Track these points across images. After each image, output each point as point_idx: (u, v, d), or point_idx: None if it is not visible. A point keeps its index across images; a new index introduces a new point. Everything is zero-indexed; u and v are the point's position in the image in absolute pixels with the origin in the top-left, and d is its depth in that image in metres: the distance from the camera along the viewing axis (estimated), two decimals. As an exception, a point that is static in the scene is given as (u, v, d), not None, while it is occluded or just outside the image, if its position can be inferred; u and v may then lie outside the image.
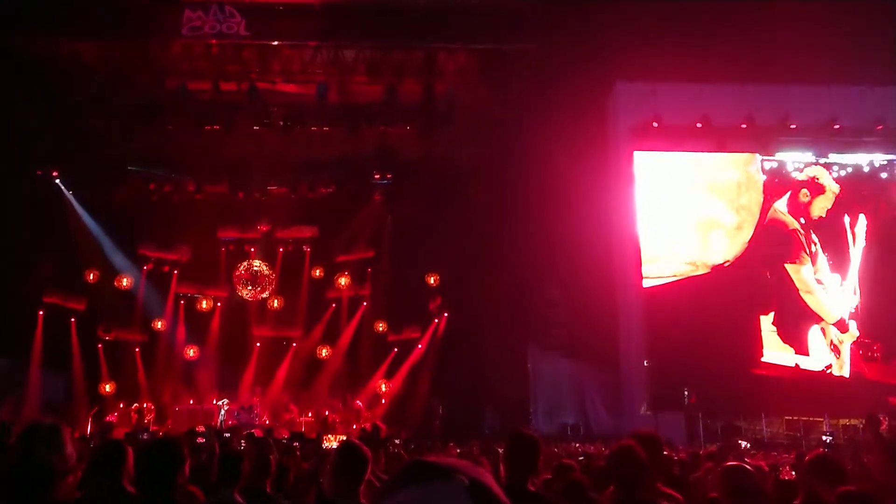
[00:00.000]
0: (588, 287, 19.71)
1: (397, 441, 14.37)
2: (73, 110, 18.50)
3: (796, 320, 19.71)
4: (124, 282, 20.70)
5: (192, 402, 20.06)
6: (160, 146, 19.80)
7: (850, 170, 20.86)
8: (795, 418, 19.05)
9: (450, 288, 20.99)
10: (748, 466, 4.38)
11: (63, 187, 20.33)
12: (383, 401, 21.05)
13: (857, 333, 19.74)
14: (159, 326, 21.06)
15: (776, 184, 20.62)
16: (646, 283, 19.96)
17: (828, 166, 20.79)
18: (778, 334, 19.68)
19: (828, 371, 19.52)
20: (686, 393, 18.21)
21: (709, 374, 18.35)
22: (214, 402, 19.45)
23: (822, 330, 19.73)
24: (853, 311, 19.91)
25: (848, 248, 20.24)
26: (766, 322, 19.81)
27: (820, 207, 20.46)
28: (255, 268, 21.53)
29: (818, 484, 4.18)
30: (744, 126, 20.13)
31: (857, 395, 18.48)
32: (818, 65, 18.22)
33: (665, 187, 20.59)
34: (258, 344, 21.15)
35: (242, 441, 12.76)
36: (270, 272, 21.62)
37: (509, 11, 17.38)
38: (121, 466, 3.79)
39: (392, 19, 17.30)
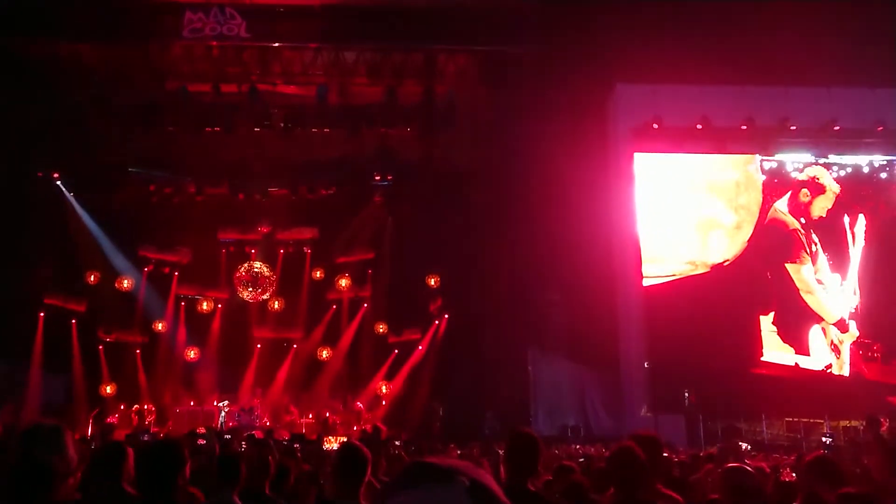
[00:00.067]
0: (588, 289, 19.71)
1: (398, 443, 14.38)
2: (73, 112, 18.50)
3: (797, 320, 19.72)
4: (125, 283, 20.72)
5: (192, 403, 20.05)
6: (161, 148, 19.81)
7: (849, 170, 20.87)
8: (796, 420, 19.03)
9: (450, 289, 20.99)
10: (749, 468, 4.38)
11: (63, 189, 20.35)
12: (384, 402, 21.05)
13: (857, 333, 19.75)
14: (160, 328, 21.08)
15: (775, 184, 20.65)
16: (645, 283, 20.00)
17: (827, 166, 20.80)
18: (778, 334, 19.69)
19: (828, 371, 19.54)
20: (686, 394, 18.21)
21: (709, 374, 18.36)
22: (215, 403, 19.47)
23: (823, 330, 19.74)
24: (853, 311, 19.93)
25: (848, 249, 20.25)
26: (766, 322, 19.82)
27: (820, 207, 20.48)
28: (255, 269, 21.54)
29: (818, 485, 4.18)
30: (744, 127, 20.14)
31: (856, 394, 18.51)
32: (818, 66, 18.23)
33: (664, 187, 20.61)
34: (259, 345, 21.16)
35: (243, 443, 12.76)
36: (271, 274, 21.63)
37: (509, 13, 17.39)
38: (121, 468, 3.80)
39: (392, 21, 17.31)
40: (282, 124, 19.17)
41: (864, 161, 20.91)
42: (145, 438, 15.07)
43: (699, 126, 20.13)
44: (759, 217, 20.44)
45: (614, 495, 4.01)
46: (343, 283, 21.62)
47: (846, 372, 19.58)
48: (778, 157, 20.81)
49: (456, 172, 20.85)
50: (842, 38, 17.27)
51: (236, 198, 21.09)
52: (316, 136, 19.60)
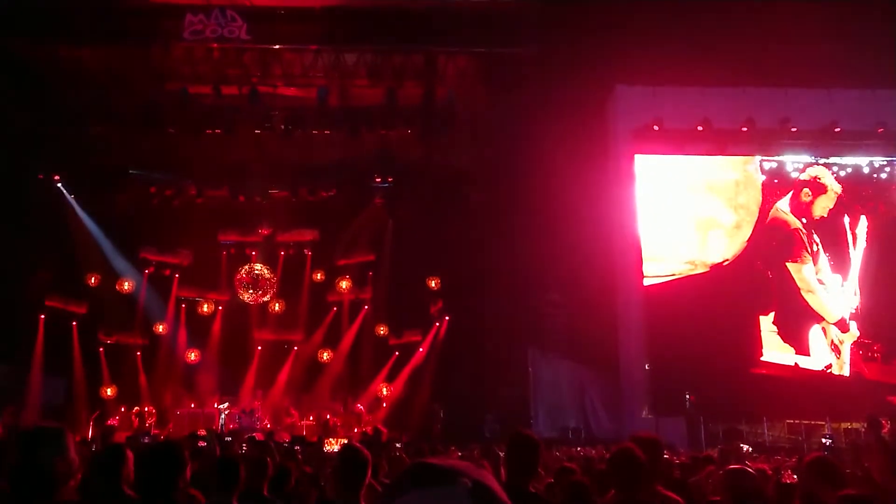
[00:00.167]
0: (588, 290, 19.74)
1: (398, 444, 14.35)
2: (74, 114, 18.49)
3: (797, 320, 19.75)
4: (125, 286, 20.71)
5: (193, 405, 20.04)
6: (161, 150, 19.80)
7: (849, 170, 20.90)
8: (797, 422, 19.02)
9: (451, 291, 20.98)
10: (750, 469, 4.38)
11: (64, 191, 20.37)
12: (384, 404, 21.03)
13: (858, 334, 19.77)
14: (160, 330, 21.07)
15: (775, 184, 20.69)
16: (645, 283, 20.03)
17: (827, 166, 20.83)
18: (778, 334, 19.71)
19: (828, 371, 19.55)
20: (687, 396, 18.21)
21: (709, 375, 18.38)
22: (215, 405, 19.48)
23: (823, 330, 19.77)
24: (853, 311, 19.95)
25: (848, 249, 20.28)
26: (766, 322, 19.84)
27: (822, 207, 20.51)
28: (256, 271, 21.53)
29: (818, 487, 4.18)
30: (744, 129, 20.16)
31: (857, 394, 18.53)
32: (818, 68, 18.26)
33: (664, 187, 20.67)
34: (259, 347, 21.16)
35: (244, 445, 12.75)
36: (271, 276, 21.62)
37: (510, 14, 17.40)
38: (120, 470, 3.80)
39: (392, 23, 17.33)
40: (282, 126, 19.17)
41: (865, 162, 20.93)
42: (146, 440, 15.07)
43: (700, 128, 20.15)
44: (758, 217, 20.48)
45: (615, 497, 4.01)
46: (344, 284, 21.61)
47: (846, 372, 19.60)
48: (778, 157, 20.84)
49: (456, 174, 20.86)
50: (842, 40, 17.29)
51: (237, 200, 21.10)
52: (316, 137, 19.60)
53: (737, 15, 17.94)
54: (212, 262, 21.55)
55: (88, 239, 20.40)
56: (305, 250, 21.80)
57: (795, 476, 5.74)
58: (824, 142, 20.70)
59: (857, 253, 20.26)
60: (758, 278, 19.99)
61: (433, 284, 21.15)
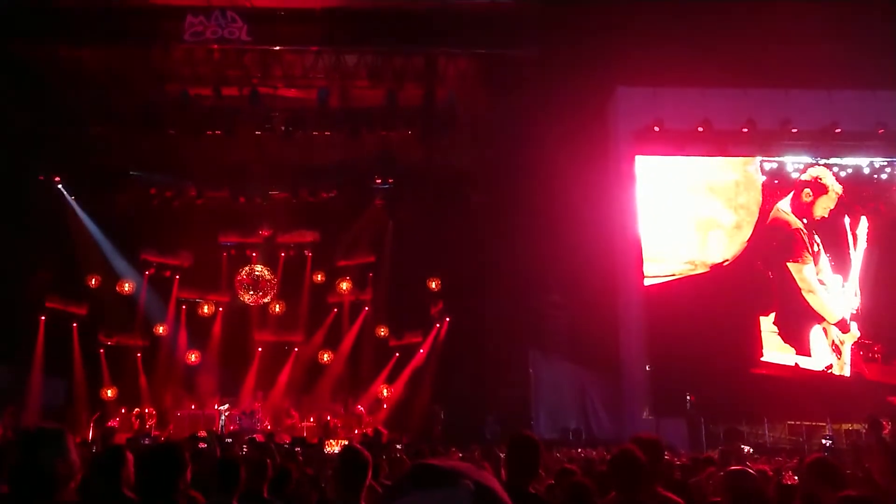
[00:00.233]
0: (589, 291, 19.73)
1: (399, 446, 14.34)
2: (74, 115, 18.49)
3: (798, 320, 19.75)
4: (126, 287, 20.72)
5: (193, 407, 20.04)
6: (161, 151, 19.80)
7: (850, 171, 20.89)
8: (798, 423, 19.01)
9: (451, 292, 20.98)
10: (751, 471, 4.37)
11: (65, 192, 20.38)
12: (385, 406, 21.03)
13: (859, 334, 19.78)
14: (161, 331, 21.06)
15: (776, 185, 20.69)
16: (645, 283, 20.03)
17: (828, 167, 20.83)
18: (779, 334, 19.71)
19: (828, 371, 19.56)
20: (688, 397, 18.20)
21: (710, 375, 18.37)
22: (216, 407, 19.46)
23: (824, 330, 19.77)
24: (854, 312, 19.95)
25: (849, 250, 20.28)
26: (767, 323, 19.84)
27: (823, 208, 20.52)
28: (256, 273, 21.52)
29: (818, 488, 4.18)
30: (745, 130, 20.15)
31: (857, 395, 18.53)
32: (819, 69, 18.25)
33: (664, 188, 20.67)
34: (260, 349, 21.15)
35: (244, 446, 12.75)
36: (272, 277, 21.61)
37: (510, 16, 17.41)
38: (120, 472, 3.79)
39: (393, 24, 17.34)
40: (283, 127, 19.17)
41: (865, 162, 20.94)
42: (146, 442, 15.08)
43: (700, 129, 20.15)
44: (758, 217, 20.49)
45: (615, 498, 4.01)
46: (344, 286, 21.62)
47: (847, 372, 19.61)
48: (778, 158, 20.85)
49: (457, 175, 20.86)
50: (842, 41, 17.28)
51: (237, 201, 21.10)
52: (317, 139, 19.60)
53: (737, 16, 17.94)
54: (212, 263, 21.55)
55: (89, 240, 20.41)
56: (306, 251, 21.81)
57: (796, 477, 5.74)
58: (825, 143, 20.71)
59: (858, 253, 20.27)
60: (758, 279, 20.00)
61: (434, 286, 21.15)
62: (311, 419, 19.87)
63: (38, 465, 2.74)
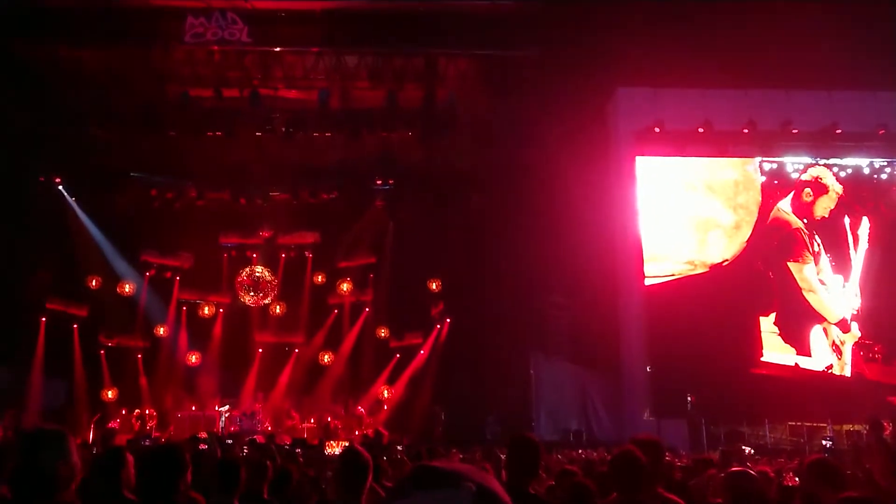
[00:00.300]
0: (590, 292, 19.72)
1: (400, 447, 14.35)
2: (74, 117, 18.50)
3: (798, 320, 19.73)
4: (126, 288, 20.73)
5: (194, 408, 20.03)
6: (162, 152, 19.81)
7: (850, 171, 20.89)
8: (799, 424, 19.00)
9: (452, 293, 20.99)
10: (752, 472, 4.37)
11: (65, 193, 20.39)
12: (385, 407, 21.03)
13: (859, 334, 19.77)
14: (161, 332, 21.07)
15: (775, 185, 20.69)
16: (646, 283, 20.02)
17: (828, 167, 20.83)
18: (779, 335, 19.69)
19: (829, 371, 19.55)
20: (689, 398, 18.19)
21: (710, 376, 18.35)
22: (216, 408, 19.45)
23: (825, 330, 19.75)
24: (854, 312, 19.94)
25: (849, 251, 20.28)
26: (767, 323, 19.83)
27: (823, 208, 20.51)
28: (256, 274, 21.52)
29: (818, 488, 4.17)
30: (745, 131, 20.15)
31: (858, 395, 18.52)
32: (819, 70, 18.24)
33: (664, 188, 20.66)
34: (260, 350, 21.16)
35: (245, 447, 12.75)
36: (272, 278, 21.61)
37: (510, 17, 17.40)
38: (120, 473, 3.79)
39: (393, 25, 17.34)
40: (283, 128, 19.18)
41: (865, 163, 20.93)
42: (146, 443, 15.08)
43: (701, 129, 20.14)
44: (758, 217, 20.49)
45: (616, 499, 4.01)
46: (344, 287, 21.63)
47: (847, 372, 19.60)
48: (779, 158, 20.85)
49: (457, 176, 20.85)
50: (843, 42, 17.25)
51: (238, 202, 21.11)
52: (317, 140, 19.61)
53: (737, 16, 17.92)
54: (213, 264, 21.56)
55: (89, 241, 20.42)
56: (306, 252, 21.83)
57: (797, 478, 5.74)
58: (825, 143, 20.70)
59: (859, 254, 20.26)
60: (758, 278, 19.99)
61: (434, 286, 21.16)
62: (312, 420, 19.86)
63: (38, 466, 2.74)
